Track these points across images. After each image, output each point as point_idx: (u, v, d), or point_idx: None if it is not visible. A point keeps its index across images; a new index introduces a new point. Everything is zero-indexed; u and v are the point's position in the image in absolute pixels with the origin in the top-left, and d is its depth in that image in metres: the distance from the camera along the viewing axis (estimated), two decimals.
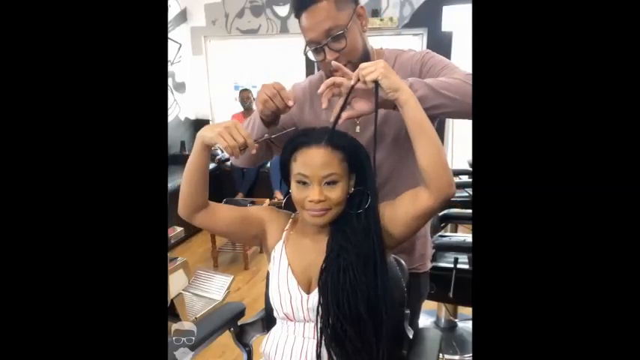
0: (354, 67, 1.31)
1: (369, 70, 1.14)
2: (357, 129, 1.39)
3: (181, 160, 5.29)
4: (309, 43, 1.39)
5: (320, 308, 1.21)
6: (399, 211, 1.22)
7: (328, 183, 1.19)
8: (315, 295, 1.23)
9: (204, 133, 1.21)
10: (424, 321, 3.13)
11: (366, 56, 1.43)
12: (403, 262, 1.45)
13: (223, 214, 1.33)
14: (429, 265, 1.67)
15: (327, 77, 1.43)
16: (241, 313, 1.58)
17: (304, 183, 1.21)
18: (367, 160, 1.23)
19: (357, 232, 1.22)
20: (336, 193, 1.19)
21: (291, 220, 1.37)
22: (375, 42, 1.49)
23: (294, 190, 1.23)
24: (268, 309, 1.49)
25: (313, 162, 1.19)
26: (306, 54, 1.43)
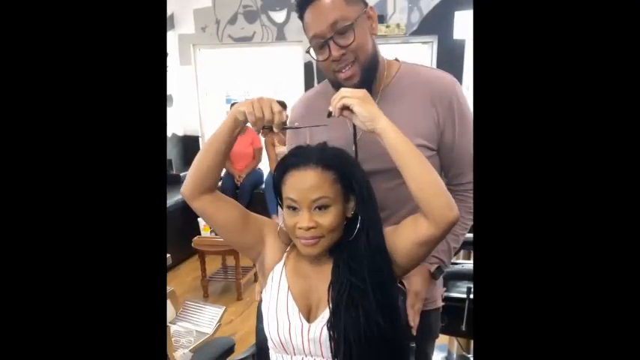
0: (362, 67, 1.34)
1: (342, 96, 1.17)
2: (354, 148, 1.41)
3: (170, 179, 5.32)
4: (312, 38, 1.37)
5: (332, 344, 1.21)
6: (401, 238, 1.22)
7: (319, 207, 1.19)
8: (316, 324, 1.23)
9: (237, 106, 1.23)
10: (434, 357, 3.10)
11: (375, 61, 1.43)
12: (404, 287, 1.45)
13: (227, 206, 1.33)
14: (440, 303, 1.67)
15: (330, 81, 1.45)
16: (231, 350, 1.57)
17: (294, 208, 1.21)
18: (364, 181, 1.23)
19: (362, 264, 1.21)
20: (327, 219, 1.19)
21: (292, 242, 1.36)
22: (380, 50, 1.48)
23: (285, 216, 1.24)
24: (260, 341, 1.46)
25: (301, 185, 1.19)
26: (308, 52, 1.42)
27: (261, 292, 1.37)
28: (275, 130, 1.22)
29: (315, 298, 1.26)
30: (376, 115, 1.16)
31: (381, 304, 1.20)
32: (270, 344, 1.31)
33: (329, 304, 1.22)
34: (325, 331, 1.22)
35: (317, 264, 1.28)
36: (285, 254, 1.34)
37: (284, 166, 1.23)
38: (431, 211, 1.14)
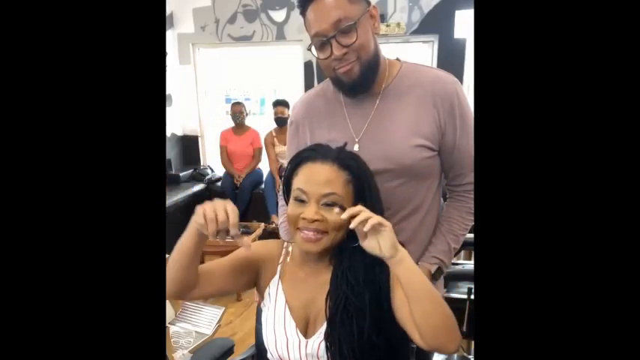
0: (363, 66, 1.34)
1: (366, 217, 1.09)
2: (356, 147, 1.40)
3: (169, 179, 5.31)
4: (314, 36, 1.36)
5: (329, 354, 1.21)
6: (397, 309, 1.19)
7: (327, 204, 1.17)
8: (314, 340, 1.23)
9: (195, 219, 1.13)
10: (435, 357, 3.10)
11: (377, 61, 1.42)
12: None
13: (214, 278, 1.28)
14: None
15: (332, 79, 1.44)
16: (230, 350, 1.57)
17: (302, 201, 1.19)
18: (375, 188, 1.23)
19: (360, 276, 1.20)
20: (335, 215, 1.16)
21: (284, 250, 1.36)
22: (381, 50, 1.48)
23: (290, 207, 1.22)
24: (259, 342, 1.46)
25: (314, 178, 1.18)
26: (309, 49, 1.41)
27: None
28: (233, 231, 1.11)
29: (314, 311, 1.26)
30: (397, 245, 1.11)
31: (376, 319, 1.19)
32: (269, 356, 1.32)
33: (326, 314, 1.22)
34: (323, 346, 1.22)
35: (315, 272, 1.28)
36: (280, 267, 1.33)
37: (300, 158, 1.22)
38: (429, 343, 1.10)
